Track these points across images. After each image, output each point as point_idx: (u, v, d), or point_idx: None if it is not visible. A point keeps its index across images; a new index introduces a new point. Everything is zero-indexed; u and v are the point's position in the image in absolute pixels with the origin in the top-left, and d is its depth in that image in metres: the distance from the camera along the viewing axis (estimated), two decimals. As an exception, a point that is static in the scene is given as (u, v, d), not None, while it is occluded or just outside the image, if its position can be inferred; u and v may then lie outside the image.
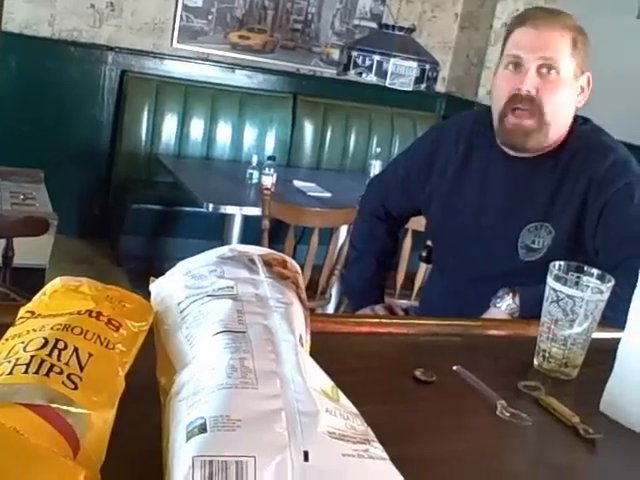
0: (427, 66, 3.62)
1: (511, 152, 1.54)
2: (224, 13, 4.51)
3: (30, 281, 2.29)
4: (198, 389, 0.59)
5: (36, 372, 0.56)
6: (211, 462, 0.52)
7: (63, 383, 0.56)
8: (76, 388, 0.57)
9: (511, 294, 1.42)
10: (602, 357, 0.98)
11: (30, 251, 2.53)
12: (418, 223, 2.12)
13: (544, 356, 1.06)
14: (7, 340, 0.62)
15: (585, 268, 1.06)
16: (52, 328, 0.62)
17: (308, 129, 4.73)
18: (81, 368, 0.59)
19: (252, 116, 4.54)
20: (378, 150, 4.49)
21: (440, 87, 4.90)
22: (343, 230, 3.06)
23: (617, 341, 0.96)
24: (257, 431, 0.54)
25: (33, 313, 0.66)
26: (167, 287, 0.73)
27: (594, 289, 1.03)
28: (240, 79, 4.63)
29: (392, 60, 3.54)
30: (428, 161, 1.67)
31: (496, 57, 1.63)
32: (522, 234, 1.50)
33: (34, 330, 0.62)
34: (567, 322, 1.03)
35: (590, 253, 1.45)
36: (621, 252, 1.41)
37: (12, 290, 2.17)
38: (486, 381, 0.96)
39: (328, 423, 0.56)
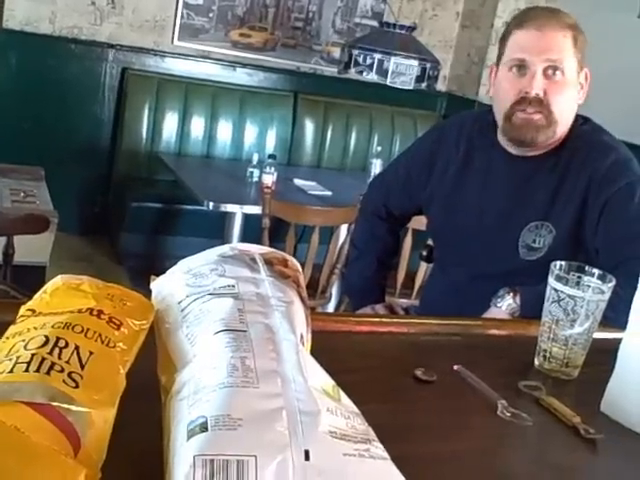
0: (428, 65, 3.62)
1: (514, 151, 1.54)
2: (225, 11, 4.50)
3: (30, 279, 2.29)
4: (199, 388, 0.59)
5: (37, 370, 0.56)
6: (212, 461, 0.52)
7: (64, 381, 0.56)
8: (77, 386, 0.57)
9: (512, 294, 1.42)
10: (603, 357, 0.98)
11: (30, 249, 2.53)
12: (419, 222, 2.12)
13: (545, 356, 1.06)
14: (8, 338, 0.62)
15: (586, 268, 1.06)
16: (53, 326, 0.62)
17: (309, 127, 4.72)
18: (82, 366, 0.59)
19: (253, 114, 4.53)
20: (379, 149, 4.47)
21: (441, 86, 4.90)
22: (344, 229, 3.05)
23: (618, 341, 0.96)
24: (258, 430, 0.54)
25: (34, 311, 0.66)
26: (168, 286, 0.73)
27: (595, 289, 1.03)
28: (241, 77, 4.62)
29: (393, 59, 3.53)
30: (429, 161, 1.67)
31: (497, 56, 1.63)
32: (523, 233, 1.50)
33: (35, 328, 0.62)
34: (568, 322, 1.03)
35: (591, 252, 1.45)
36: (622, 252, 1.41)
37: (12, 288, 2.17)
38: (487, 381, 0.96)
39: (329, 422, 0.56)
